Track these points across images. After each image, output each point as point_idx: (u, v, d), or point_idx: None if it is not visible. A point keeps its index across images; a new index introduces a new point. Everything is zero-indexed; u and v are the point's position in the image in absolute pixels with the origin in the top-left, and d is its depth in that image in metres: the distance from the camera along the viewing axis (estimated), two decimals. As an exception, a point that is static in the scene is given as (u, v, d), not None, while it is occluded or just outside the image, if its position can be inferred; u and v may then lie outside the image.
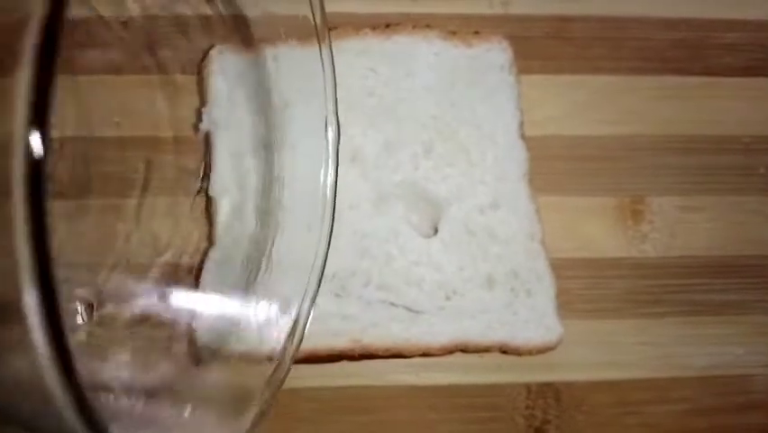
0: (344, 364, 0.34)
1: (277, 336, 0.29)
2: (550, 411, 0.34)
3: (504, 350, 0.33)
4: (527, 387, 0.34)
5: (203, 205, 0.34)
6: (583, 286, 0.35)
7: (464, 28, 0.35)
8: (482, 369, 0.34)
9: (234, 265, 0.31)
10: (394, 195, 0.34)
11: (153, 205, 0.34)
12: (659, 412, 0.34)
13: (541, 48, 0.36)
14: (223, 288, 0.31)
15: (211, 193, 0.32)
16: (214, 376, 0.30)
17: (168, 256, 0.32)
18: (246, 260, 0.31)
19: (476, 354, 0.34)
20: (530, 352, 0.33)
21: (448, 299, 0.33)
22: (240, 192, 0.33)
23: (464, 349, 0.32)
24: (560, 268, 0.34)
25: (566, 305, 0.34)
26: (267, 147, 0.34)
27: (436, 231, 0.34)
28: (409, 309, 0.33)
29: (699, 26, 0.37)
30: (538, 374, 0.34)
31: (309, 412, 0.33)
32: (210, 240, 0.33)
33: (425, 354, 0.33)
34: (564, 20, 0.37)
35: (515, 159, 0.33)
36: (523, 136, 0.34)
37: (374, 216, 0.34)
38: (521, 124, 0.34)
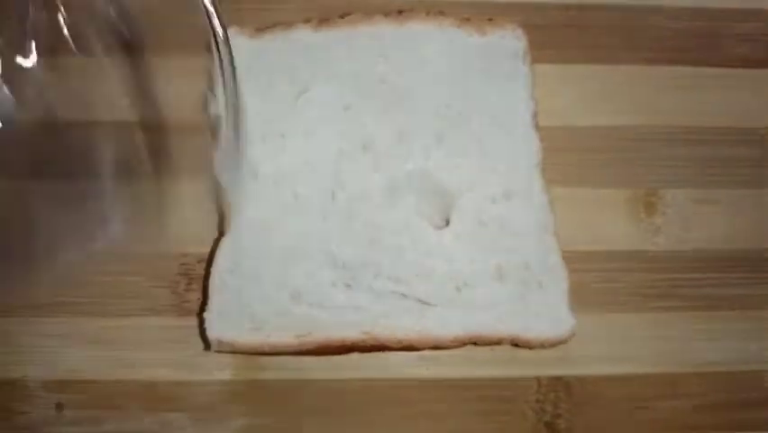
0: (354, 357, 0.34)
1: None
2: (560, 405, 0.34)
3: (515, 343, 0.33)
4: (538, 380, 0.34)
5: (213, 192, 0.34)
6: (595, 279, 0.35)
7: (478, 15, 0.35)
8: (493, 362, 0.34)
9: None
10: (405, 185, 0.34)
11: (161, 191, 0.34)
12: (671, 407, 0.35)
13: (555, 37, 0.37)
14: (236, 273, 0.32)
15: (220, 180, 0.32)
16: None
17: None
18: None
19: (487, 348, 0.34)
20: (542, 345, 0.33)
21: (459, 291, 0.33)
22: (252, 180, 0.33)
23: (475, 342, 0.33)
24: (572, 261, 0.35)
25: (578, 298, 0.35)
26: (279, 134, 0.34)
27: (448, 222, 0.34)
28: (420, 301, 0.33)
29: (714, 16, 0.37)
30: (549, 368, 0.35)
31: (318, 404, 0.34)
32: (221, 229, 0.33)
33: (435, 347, 0.33)
34: (579, 8, 0.37)
35: (527, 149, 0.34)
36: (536, 126, 0.34)
37: (385, 206, 0.34)
38: (534, 114, 0.34)
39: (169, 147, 0.35)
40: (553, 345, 0.33)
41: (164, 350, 0.34)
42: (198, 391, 0.33)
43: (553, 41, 0.36)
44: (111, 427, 0.33)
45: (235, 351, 0.32)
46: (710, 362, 0.35)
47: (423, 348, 0.33)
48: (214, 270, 0.32)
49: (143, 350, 0.33)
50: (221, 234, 0.33)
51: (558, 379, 0.35)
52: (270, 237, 0.33)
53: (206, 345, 0.32)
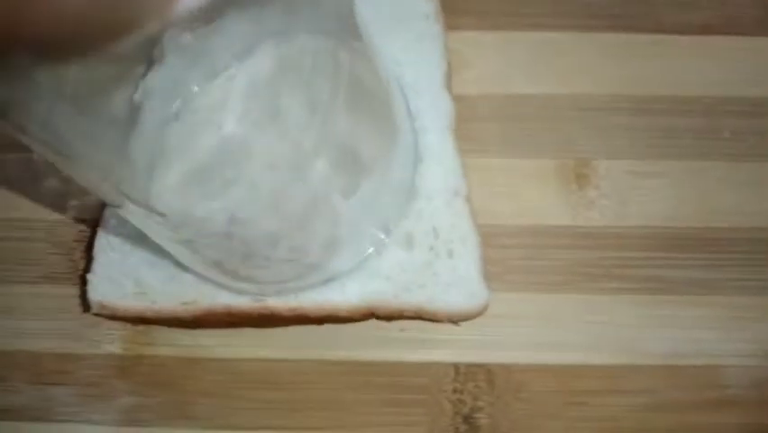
0: (252, 333, 0.31)
1: None
2: (482, 397, 0.31)
3: (420, 315, 0.30)
4: (455, 367, 0.31)
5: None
6: (522, 256, 0.32)
7: (389, -21, 0.34)
8: (405, 343, 0.31)
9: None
10: (314, 153, 0.32)
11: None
12: (613, 405, 0.30)
13: (474, 3, 0.35)
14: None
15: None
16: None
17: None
18: None
19: (397, 327, 0.31)
20: (449, 318, 0.30)
21: (364, 259, 0.30)
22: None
23: (376, 312, 0.30)
24: (495, 235, 0.32)
25: (503, 276, 0.32)
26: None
27: (357, 189, 0.32)
28: (319, 270, 0.30)
29: (650, -18, 0.36)
30: (468, 353, 0.31)
31: (212, 385, 0.31)
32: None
33: (332, 318, 0.30)
34: (500, -25, 0.36)
35: (439, 110, 0.32)
36: (448, 87, 0.32)
37: (292, 176, 0.32)
38: (446, 75, 0.33)
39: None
40: (463, 318, 0.30)
41: (53, 319, 0.32)
42: (85, 365, 0.31)
43: (472, 7, 0.35)
44: (-10, 399, 0.31)
45: (117, 316, 0.30)
46: (660, 354, 0.31)
47: (318, 318, 0.30)
48: (101, 230, 0.31)
49: (32, 319, 0.32)
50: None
51: (479, 366, 0.31)
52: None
53: (86, 307, 0.31)
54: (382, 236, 0.31)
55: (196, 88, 0.27)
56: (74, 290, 0.32)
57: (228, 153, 0.28)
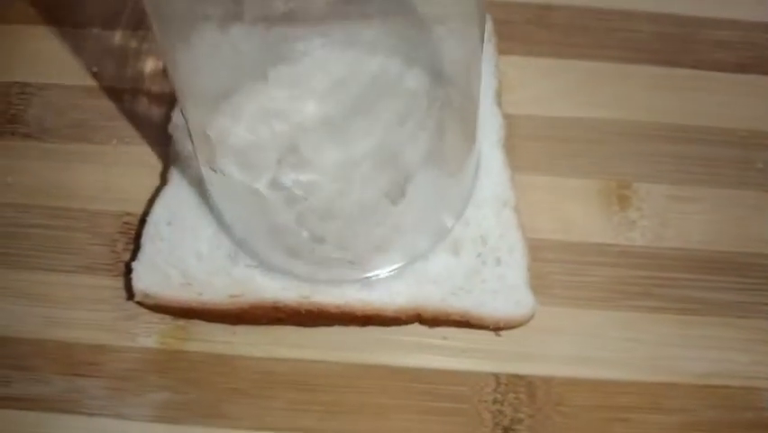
0: (291, 333, 0.31)
1: None
2: (522, 409, 0.30)
3: (466, 320, 0.30)
4: (496, 377, 0.31)
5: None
6: (565, 271, 0.33)
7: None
8: (447, 351, 0.31)
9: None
10: (364, 159, 0.33)
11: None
12: (651, 421, 0.30)
13: (522, 32, 0.37)
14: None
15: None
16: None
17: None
18: None
19: (439, 335, 0.31)
20: (496, 324, 0.30)
21: (411, 262, 0.31)
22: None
23: (422, 315, 0.30)
24: (539, 250, 0.33)
25: (545, 290, 0.32)
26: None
27: (404, 194, 0.32)
28: (367, 270, 0.31)
29: (687, 23, 0.38)
30: (510, 364, 0.31)
31: (247, 384, 0.31)
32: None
33: (378, 319, 0.30)
34: (546, 8, 0.38)
35: (490, 124, 0.33)
36: (499, 103, 0.34)
37: (341, 179, 0.33)
38: (497, 92, 0.34)
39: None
40: (509, 326, 0.30)
41: (89, 310, 0.32)
42: (118, 358, 0.31)
43: (521, 36, 0.37)
44: (18, 388, 0.30)
45: (160, 306, 0.30)
46: (696, 373, 0.31)
47: (363, 318, 0.30)
48: (151, 219, 0.31)
49: (66, 308, 0.32)
50: (163, 183, 0.32)
51: (520, 378, 0.31)
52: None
53: (130, 295, 0.30)
54: (438, 238, 0.31)
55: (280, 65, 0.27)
56: (113, 282, 0.32)
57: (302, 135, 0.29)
